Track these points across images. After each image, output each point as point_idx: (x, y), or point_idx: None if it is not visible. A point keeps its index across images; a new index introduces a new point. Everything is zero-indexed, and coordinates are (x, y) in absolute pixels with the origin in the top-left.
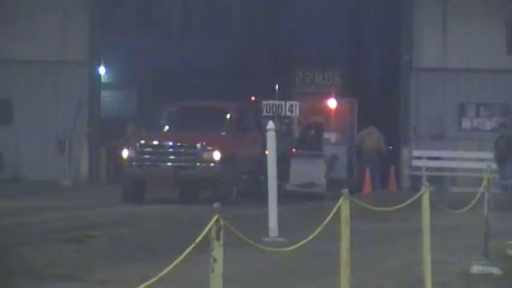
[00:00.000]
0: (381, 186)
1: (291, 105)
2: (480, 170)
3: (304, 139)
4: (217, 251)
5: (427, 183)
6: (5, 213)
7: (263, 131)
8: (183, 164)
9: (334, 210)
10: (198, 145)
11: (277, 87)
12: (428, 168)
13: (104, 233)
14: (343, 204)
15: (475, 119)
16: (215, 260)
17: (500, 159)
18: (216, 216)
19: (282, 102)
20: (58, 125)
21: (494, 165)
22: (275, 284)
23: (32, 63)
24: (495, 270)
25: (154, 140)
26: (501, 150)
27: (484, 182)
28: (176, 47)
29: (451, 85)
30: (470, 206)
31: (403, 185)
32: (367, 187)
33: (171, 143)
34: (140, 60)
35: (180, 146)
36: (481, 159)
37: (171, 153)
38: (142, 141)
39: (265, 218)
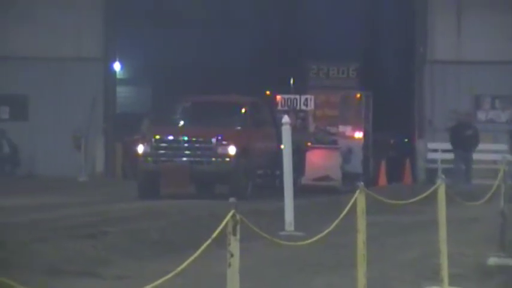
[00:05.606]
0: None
1: (306, 99)
2: (495, 162)
3: None
4: (234, 246)
5: (443, 176)
6: (22, 210)
7: (278, 125)
8: (198, 158)
9: (350, 204)
10: (213, 140)
11: (292, 81)
12: (444, 161)
13: (121, 228)
14: (359, 198)
15: (490, 111)
16: (232, 255)
17: None
18: (232, 211)
19: (297, 96)
20: (74, 121)
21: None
22: (292, 278)
23: (48, 60)
24: None
25: (169, 135)
26: None
27: (500, 174)
28: (190, 42)
29: (466, 77)
30: (486, 198)
31: (418, 177)
32: (382, 180)
33: (186, 138)
34: (155, 56)
35: (195, 141)
36: (496, 151)
37: (186, 148)
38: (157, 137)
39: (281, 212)
